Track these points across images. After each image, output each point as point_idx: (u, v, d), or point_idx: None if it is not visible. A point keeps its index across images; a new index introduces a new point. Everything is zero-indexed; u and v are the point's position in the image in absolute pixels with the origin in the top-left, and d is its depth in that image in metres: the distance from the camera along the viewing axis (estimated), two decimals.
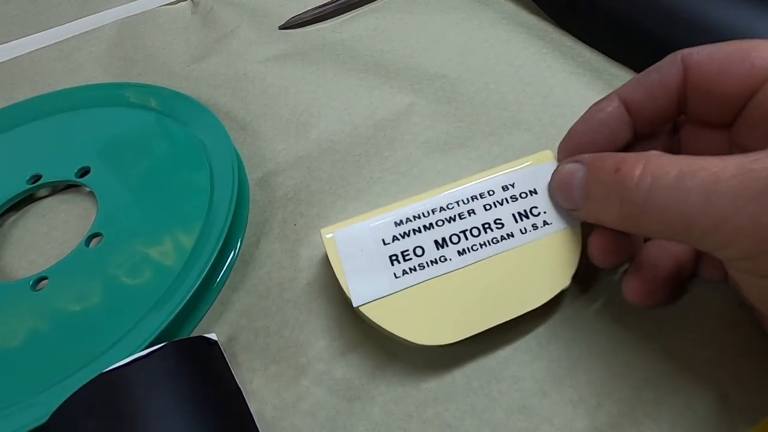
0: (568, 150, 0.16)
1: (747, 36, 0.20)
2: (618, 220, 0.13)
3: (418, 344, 0.15)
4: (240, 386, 0.15)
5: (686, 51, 0.14)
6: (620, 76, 0.23)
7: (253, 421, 0.15)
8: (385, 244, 0.15)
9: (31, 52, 0.28)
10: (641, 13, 0.23)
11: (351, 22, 0.28)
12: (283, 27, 0.28)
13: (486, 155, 0.21)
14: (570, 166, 0.14)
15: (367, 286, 0.15)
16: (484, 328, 0.15)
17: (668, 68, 0.14)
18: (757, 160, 0.11)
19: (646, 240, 0.16)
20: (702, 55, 0.14)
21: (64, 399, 0.13)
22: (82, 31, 0.29)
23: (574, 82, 0.23)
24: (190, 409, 0.14)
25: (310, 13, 0.29)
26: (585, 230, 0.16)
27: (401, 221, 0.15)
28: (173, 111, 0.23)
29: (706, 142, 0.15)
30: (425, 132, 0.22)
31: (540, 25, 0.26)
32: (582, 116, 0.16)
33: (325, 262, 0.18)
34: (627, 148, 0.16)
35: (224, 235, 0.18)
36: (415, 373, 0.16)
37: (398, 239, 0.15)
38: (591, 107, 0.16)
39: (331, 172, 0.21)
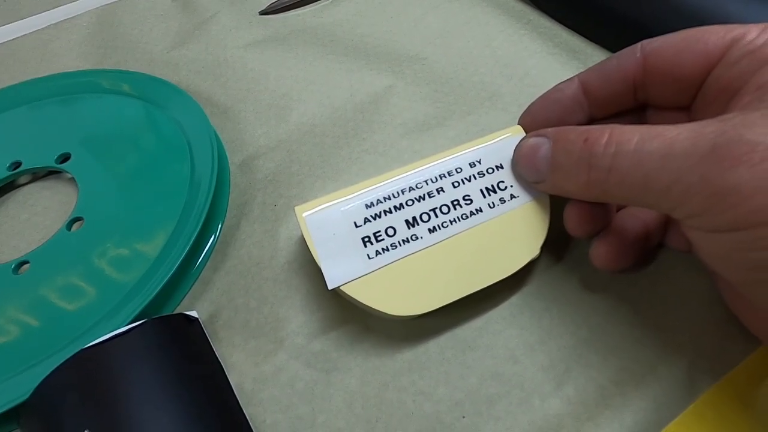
0: (525, 119, 0.16)
1: (719, 17, 0.20)
2: (585, 187, 0.13)
3: (394, 316, 0.15)
4: (220, 360, 0.15)
5: (646, 41, 0.15)
6: (596, 56, 0.24)
7: (233, 393, 0.15)
8: (357, 226, 0.15)
9: (8, 41, 0.28)
10: None
11: (331, 6, 0.28)
12: (263, 12, 0.28)
13: (463, 135, 0.21)
14: (533, 140, 0.15)
15: (341, 268, 0.15)
16: (457, 298, 0.15)
17: (627, 56, 0.15)
18: (708, 125, 0.11)
19: (618, 210, 0.16)
20: (660, 41, 0.14)
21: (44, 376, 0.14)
22: (60, 20, 0.29)
23: (551, 63, 0.24)
24: (169, 381, 0.14)
25: None
26: (553, 202, 0.16)
27: (372, 203, 0.16)
28: (152, 96, 0.23)
29: (670, 120, 0.15)
30: (403, 113, 0.22)
31: (518, 7, 0.27)
32: (542, 94, 0.16)
33: (304, 241, 0.18)
34: (578, 124, 0.16)
35: (203, 217, 0.18)
36: (390, 344, 0.16)
37: (370, 221, 0.16)
38: (552, 87, 0.16)
39: (311, 154, 0.21)
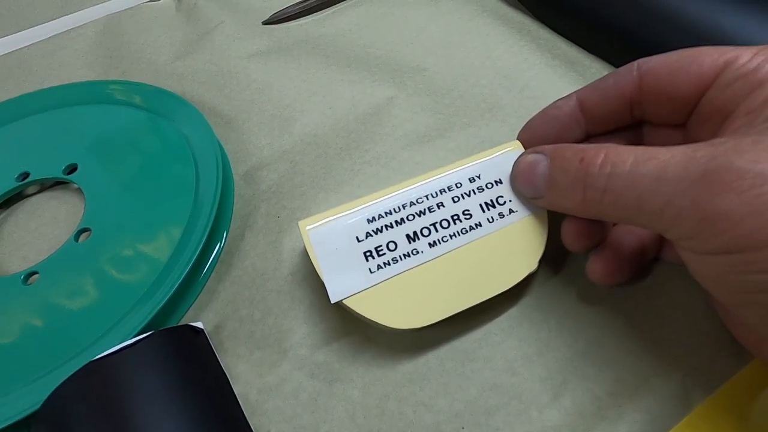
0: (524, 136, 0.17)
1: (714, 30, 0.21)
2: (581, 206, 0.14)
3: (395, 329, 0.15)
4: (225, 371, 0.16)
5: (642, 59, 0.15)
6: (594, 68, 0.24)
7: (238, 403, 0.15)
8: (359, 241, 0.16)
9: (15, 50, 0.28)
10: (614, 7, 0.24)
11: (334, 16, 0.29)
12: (266, 22, 0.29)
13: (463, 146, 0.22)
14: (531, 157, 0.15)
15: (343, 282, 0.15)
16: (456, 311, 0.15)
17: (624, 74, 0.15)
18: (699, 149, 0.11)
19: (615, 225, 0.17)
20: (655, 61, 0.15)
21: (54, 387, 0.14)
22: (65, 29, 0.29)
23: (550, 75, 0.24)
24: (176, 392, 0.14)
25: (294, 8, 0.29)
26: (551, 216, 0.16)
27: (373, 218, 0.16)
28: (158, 107, 0.23)
29: (666, 137, 0.16)
30: (405, 124, 0.23)
31: (518, 18, 0.27)
32: (540, 111, 0.17)
33: (307, 253, 0.18)
34: (575, 141, 0.17)
35: (209, 228, 0.19)
36: (392, 356, 0.16)
37: (371, 236, 0.16)
38: (551, 104, 0.17)
39: (314, 165, 0.22)
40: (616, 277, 0.15)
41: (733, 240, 0.11)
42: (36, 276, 0.19)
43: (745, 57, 0.13)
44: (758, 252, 0.10)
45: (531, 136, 0.17)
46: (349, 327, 0.17)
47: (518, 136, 0.17)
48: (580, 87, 0.17)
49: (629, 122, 0.16)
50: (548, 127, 0.16)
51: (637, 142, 0.17)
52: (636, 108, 0.15)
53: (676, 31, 0.22)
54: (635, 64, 0.15)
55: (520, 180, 0.16)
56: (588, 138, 0.17)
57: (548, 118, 0.16)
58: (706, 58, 0.13)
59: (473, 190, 0.16)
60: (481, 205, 0.16)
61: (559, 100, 0.17)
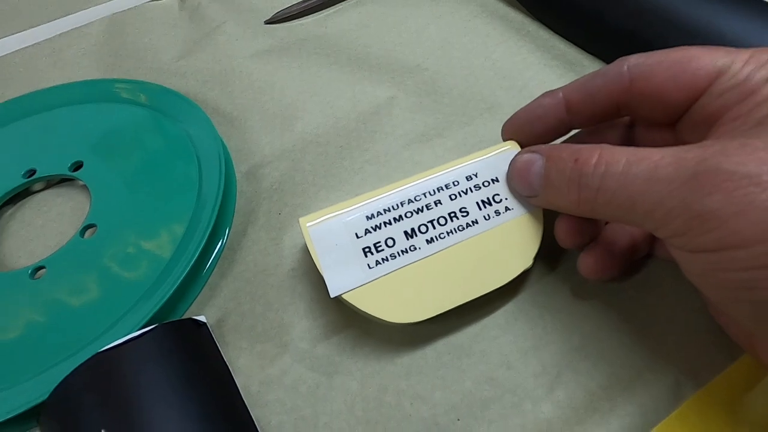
0: (509, 131, 0.18)
1: (710, 32, 0.21)
2: (576, 204, 0.14)
3: (393, 323, 0.16)
4: (228, 364, 0.16)
5: (633, 61, 0.15)
6: (592, 68, 0.24)
7: (240, 395, 0.16)
8: (358, 237, 0.16)
9: (21, 49, 0.29)
10: (613, 8, 0.24)
11: (335, 16, 0.29)
12: (269, 22, 0.29)
13: (462, 146, 0.22)
14: (527, 156, 0.15)
15: (342, 277, 0.16)
16: (453, 306, 0.16)
17: (613, 75, 0.15)
18: (690, 150, 0.12)
19: (608, 222, 0.17)
20: (647, 65, 0.15)
21: (62, 378, 0.14)
22: (71, 28, 0.30)
23: (549, 74, 0.24)
24: (180, 383, 0.15)
25: (296, 8, 0.29)
26: (546, 213, 0.17)
27: (372, 215, 0.16)
28: (162, 106, 0.24)
29: (656, 136, 0.16)
30: (404, 124, 0.23)
31: (518, 18, 0.27)
32: (528, 104, 0.17)
33: (308, 249, 0.19)
34: (559, 136, 0.17)
35: (212, 224, 0.19)
36: (390, 349, 0.17)
37: (370, 232, 0.16)
38: (537, 98, 0.17)
39: (315, 163, 0.22)
40: (606, 272, 0.16)
41: (721, 238, 0.11)
42: (43, 271, 0.19)
43: (738, 64, 0.13)
44: (744, 249, 0.11)
45: (518, 127, 0.17)
46: (348, 321, 0.17)
47: (504, 124, 0.18)
48: None
49: (616, 119, 0.16)
50: (532, 122, 0.17)
51: (626, 134, 0.17)
52: (624, 109, 0.16)
53: (675, 31, 0.22)
54: (624, 65, 0.15)
55: (517, 179, 0.16)
56: (570, 130, 0.17)
57: (533, 112, 0.17)
58: (699, 65, 0.13)
59: (470, 188, 0.17)
60: (477, 203, 0.17)
61: (547, 94, 0.17)
